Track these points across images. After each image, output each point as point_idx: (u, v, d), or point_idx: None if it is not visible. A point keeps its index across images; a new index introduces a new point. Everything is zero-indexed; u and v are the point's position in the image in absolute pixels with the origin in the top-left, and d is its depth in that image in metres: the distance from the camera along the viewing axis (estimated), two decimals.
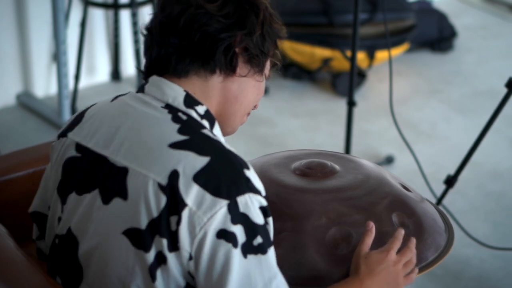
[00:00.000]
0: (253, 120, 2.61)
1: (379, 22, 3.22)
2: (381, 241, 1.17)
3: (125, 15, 3.21)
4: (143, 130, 1.08)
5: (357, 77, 3.09)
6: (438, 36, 3.65)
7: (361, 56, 3.21)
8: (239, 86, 1.12)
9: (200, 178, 1.00)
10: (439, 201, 2.18)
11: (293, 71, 3.35)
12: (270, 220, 1.06)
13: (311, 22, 3.28)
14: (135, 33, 2.95)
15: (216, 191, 1.00)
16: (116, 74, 3.33)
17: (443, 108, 3.24)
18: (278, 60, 1.18)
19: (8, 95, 3.09)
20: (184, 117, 1.08)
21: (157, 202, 1.01)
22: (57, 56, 2.90)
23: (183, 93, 1.09)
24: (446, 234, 1.28)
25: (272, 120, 3.07)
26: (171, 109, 1.08)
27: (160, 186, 1.01)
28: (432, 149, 2.90)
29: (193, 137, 1.05)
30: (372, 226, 1.16)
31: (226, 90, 1.12)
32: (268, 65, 1.16)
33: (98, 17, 3.24)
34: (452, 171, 2.15)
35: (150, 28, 1.14)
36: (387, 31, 2.41)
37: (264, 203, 1.04)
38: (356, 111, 2.54)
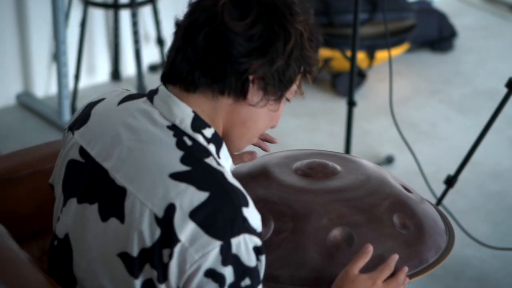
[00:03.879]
0: None
1: (379, 22, 3.22)
2: (381, 244, 1.16)
3: (125, 15, 3.21)
4: (146, 152, 1.04)
5: (357, 77, 3.09)
6: (438, 36, 3.65)
7: (361, 56, 3.21)
8: (248, 112, 1.06)
9: (197, 215, 0.97)
10: (439, 201, 2.18)
11: None
12: (263, 258, 1.03)
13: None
14: (135, 33, 2.94)
15: (211, 231, 0.97)
16: (116, 74, 3.33)
17: (443, 108, 3.24)
18: (306, 81, 1.11)
19: (8, 95, 3.09)
20: (189, 143, 1.03)
21: (151, 233, 0.99)
22: (57, 56, 2.90)
23: (191, 115, 1.04)
24: (447, 235, 1.28)
25: None
26: (177, 132, 1.04)
27: (156, 218, 0.99)
28: (432, 149, 2.90)
29: (195, 168, 1.01)
30: (370, 250, 1.12)
31: (234, 113, 1.06)
32: (292, 89, 1.09)
33: (98, 17, 3.24)
34: (452, 171, 2.15)
35: (178, 26, 1.08)
36: (387, 31, 2.40)
37: (259, 243, 1.01)
38: (356, 111, 2.54)
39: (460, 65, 3.63)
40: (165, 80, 1.09)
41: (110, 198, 1.05)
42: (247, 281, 1.00)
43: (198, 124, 1.05)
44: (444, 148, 2.93)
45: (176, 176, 1.00)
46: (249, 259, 1.00)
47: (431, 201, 1.41)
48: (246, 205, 1.01)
